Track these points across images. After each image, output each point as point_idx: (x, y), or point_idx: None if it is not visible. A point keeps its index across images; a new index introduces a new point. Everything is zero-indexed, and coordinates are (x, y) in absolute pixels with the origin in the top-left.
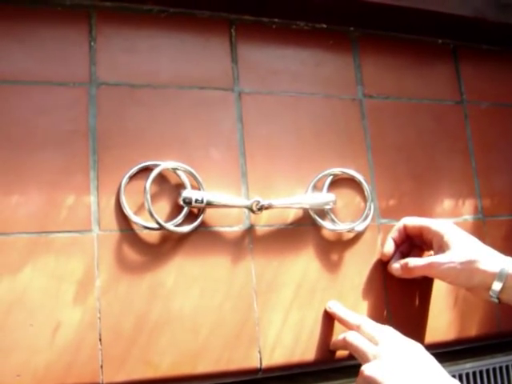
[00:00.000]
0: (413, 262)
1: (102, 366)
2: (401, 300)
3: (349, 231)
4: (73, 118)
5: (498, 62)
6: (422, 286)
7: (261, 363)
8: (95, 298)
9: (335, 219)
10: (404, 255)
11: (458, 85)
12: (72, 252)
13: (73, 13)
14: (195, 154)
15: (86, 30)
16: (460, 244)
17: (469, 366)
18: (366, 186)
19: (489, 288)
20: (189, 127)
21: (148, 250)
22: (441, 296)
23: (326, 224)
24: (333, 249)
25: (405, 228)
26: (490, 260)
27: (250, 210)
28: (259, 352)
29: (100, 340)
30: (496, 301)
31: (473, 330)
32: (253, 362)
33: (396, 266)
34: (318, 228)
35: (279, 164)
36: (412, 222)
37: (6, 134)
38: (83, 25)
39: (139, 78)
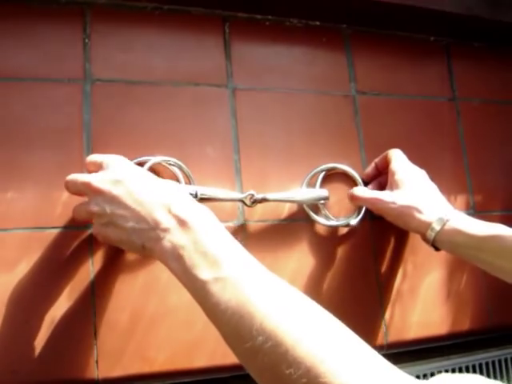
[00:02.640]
0: (358, 191)
1: (97, 362)
2: (394, 294)
3: (342, 226)
4: (67, 115)
5: (489, 59)
6: (415, 280)
7: None
8: (90, 293)
9: (329, 214)
10: (382, 186)
11: (450, 82)
12: (67, 248)
13: (67, 10)
14: (189, 150)
15: (80, 27)
16: (408, 186)
17: (462, 361)
18: (359, 180)
19: (424, 235)
20: (183, 124)
21: None
22: (434, 291)
23: (320, 219)
24: (327, 244)
25: (386, 156)
26: (429, 209)
27: (244, 203)
28: None
29: (95, 335)
30: (434, 249)
31: (465, 325)
32: None
33: (348, 192)
34: (311, 223)
35: (273, 160)
36: (392, 154)
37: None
38: (77, 22)
39: (134, 74)
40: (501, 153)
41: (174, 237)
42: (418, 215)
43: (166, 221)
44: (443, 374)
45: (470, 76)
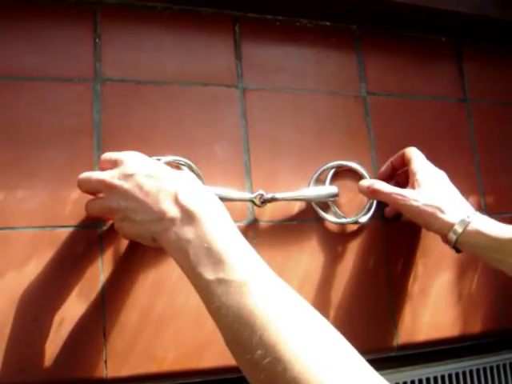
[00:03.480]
0: (379, 185)
1: (106, 361)
2: (404, 295)
3: (352, 223)
4: (77, 114)
5: (501, 59)
6: (425, 281)
7: None
8: (99, 293)
9: (338, 212)
10: (399, 185)
11: (461, 82)
12: (77, 246)
13: (77, 10)
14: (199, 150)
15: (91, 26)
16: (430, 186)
17: (473, 363)
18: (368, 177)
19: (446, 236)
20: (193, 124)
21: None
22: (445, 292)
23: (329, 217)
24: (337, 243)
25: (403, 155)
26: (451, 210)
27: (254, 203)
28: None
29: (104, 335)
30: (454, 251)
31: (477, 327)
32: None
33: (364, 183)
34: (321, 223)
35: (283, 161)
36: (409, 152)
37: (11, 130)
38: (88, 22)
39: (143, 74)
40: None
41: (180, 229)
42: (440, 215)
43: (172, 211)
44: None
45: (482, 77)
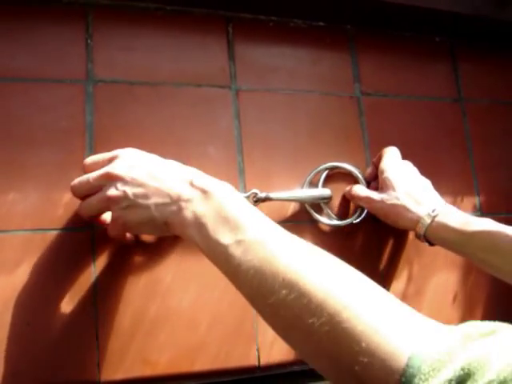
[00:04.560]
0: (355, 190)
1: (98, 365)
2: (399, 296)
3: (344, 225)
4: (69, 115)
5: (495, 59)
6: (420, 281)
7: (259, 361)
8: (92, 296)
9: (331, 214)
10: None
11: (455, 82)
12: (69, 249)
13: (69, 10)
14: (192, 151)
15: (83, 27)
16: (395, 185)
17: None
18: (361, 178)
19: (414, 232)
20: (186, 125)
21: (145, 247)
22: (440, 292)
23: (322, 218)
24: (330, 245)
25: (380, 154)
26: (416, 207)
27: None
28: (257, 350)
29: (97, 338)
30: (428, 244)
31: None
32: (251, 360)
33: (347, 189)
34: (315, 225)
35: (276, 162)
36: (384, 151)
37: (1, 131)
38: (80, 22)
39: (136, 75)
40: (507, 154)
41: (196, 206)
42: (405, 213)
43: (188, 192)
44: (472, 322)
45: (476, 76)
